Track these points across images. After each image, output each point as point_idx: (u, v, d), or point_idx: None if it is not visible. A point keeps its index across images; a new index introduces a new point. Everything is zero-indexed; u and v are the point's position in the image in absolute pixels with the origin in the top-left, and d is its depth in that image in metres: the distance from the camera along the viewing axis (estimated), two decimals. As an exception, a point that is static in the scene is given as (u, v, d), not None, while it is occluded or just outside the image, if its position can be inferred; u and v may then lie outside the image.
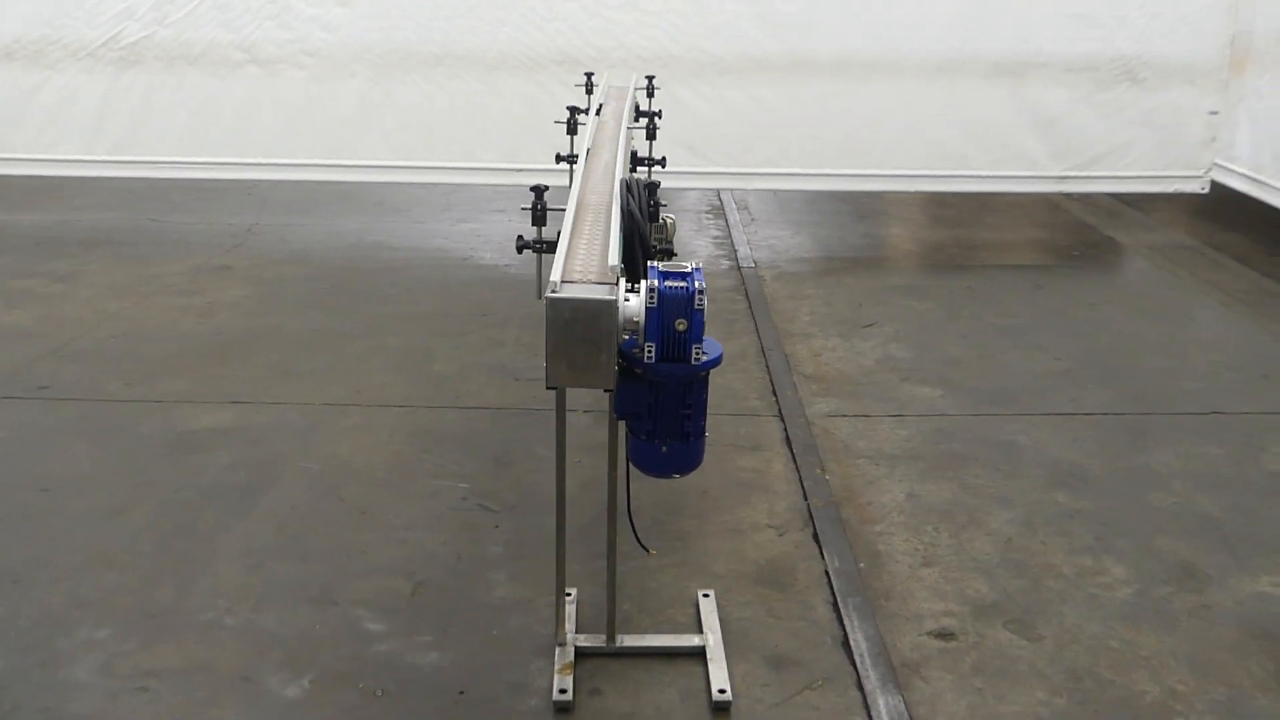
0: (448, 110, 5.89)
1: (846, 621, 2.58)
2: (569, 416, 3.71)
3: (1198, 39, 5.81)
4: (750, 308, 4.87)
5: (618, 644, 2.45)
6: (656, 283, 1.95)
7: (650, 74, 4.78)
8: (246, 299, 4.86)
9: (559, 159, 3.57)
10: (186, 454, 3.38)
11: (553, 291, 1.91)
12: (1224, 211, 6.33)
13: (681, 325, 1.96)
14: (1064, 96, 5.91)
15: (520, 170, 5.99)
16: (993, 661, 2.45)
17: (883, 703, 2.30)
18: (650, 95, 4.42)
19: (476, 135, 5.93)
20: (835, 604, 2.66)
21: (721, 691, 2.30)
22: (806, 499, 3.18)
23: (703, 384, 2.09)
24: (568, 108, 4.32)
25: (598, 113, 4.06)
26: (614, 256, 2.02)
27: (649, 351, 1.97)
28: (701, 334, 1.98)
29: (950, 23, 5.80)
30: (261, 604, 2.61)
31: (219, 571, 2.75)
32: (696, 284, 1.96)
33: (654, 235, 2.45)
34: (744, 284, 5.21)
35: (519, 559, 2.85)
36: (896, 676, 2.39)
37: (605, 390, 2.08)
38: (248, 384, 3.92)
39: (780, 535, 2.99)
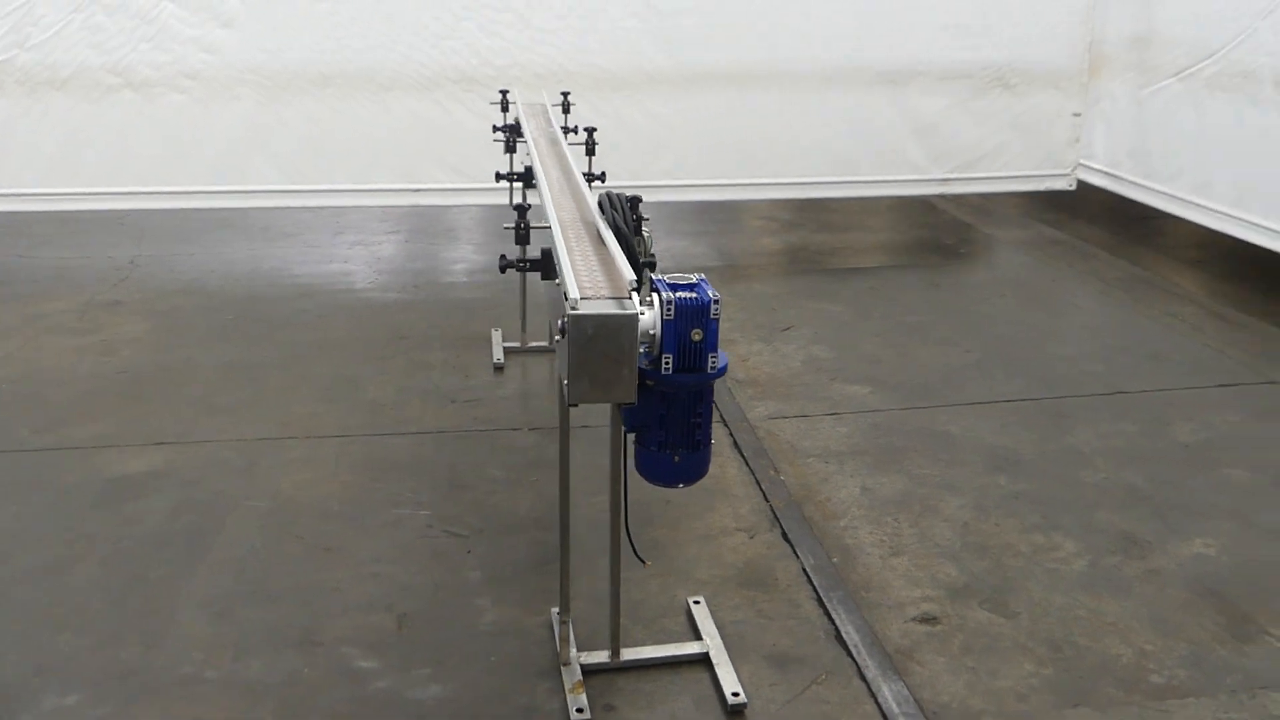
0: (340, 132, 5.74)
1: (835, 615, 2.66)
2: (514, 435, 3.72)
3: (1060, 46, 6.22)
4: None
5: (622, 659, 2.46)
6: (671, 294, 1.98)
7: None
8: (148, 334, 4.61)
9: (499, 177, 3.53)
10: (119, 502, 3.19)
11: (573, 309, 1.90)
12: (1084, 206, 6.79)
13: (697, 335, 1.99)
14: (942, 103, 6.23)
15: (417, 190, 5.94)
16: (978, 640, 2.57)
17: (887, 690, 2.38)
18: (566, 111, 4.43)
19: (371, 156, 5.80)
20: (820, 599, 2.74)
21: (735, 695, 2.33)
22: (768, 500, 3.25)
23: (710, 392, 2.12)
24: (504, 127, 4.30)
25: (514, 129, 4.07)
26: (628, 271, 2.03)
27: (666, 363, 1.99)
28: (716, 343, 2.01)
29: (835, 34, 6.02)
30: (241, 653, 2.49)
31: (185, 623, 2.61)
32: (710, 293, 2.00)
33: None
34: (658, 295, 5.26)
35: (500, 582, 2.81)
36: (893, 663, 2.48)
37: (619, 404, 2.09)
38: (170, 423, 3.72)
39: (751, 538, 3.05)
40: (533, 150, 3.34)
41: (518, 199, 3.60)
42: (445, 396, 4.01)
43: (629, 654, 2.47)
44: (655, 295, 2.00)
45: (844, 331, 4.75)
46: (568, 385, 1.95)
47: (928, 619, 2.66)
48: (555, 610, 2.62)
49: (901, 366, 4.34)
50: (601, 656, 2.47)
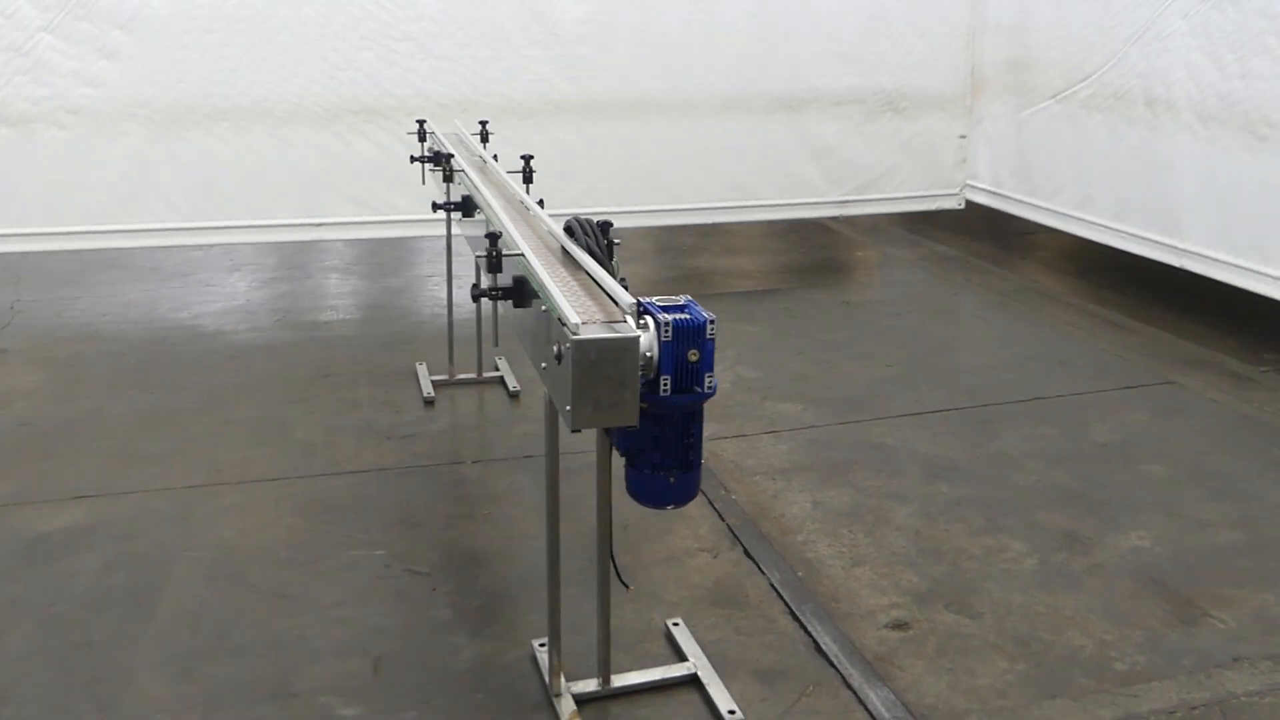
0: (237, 166, 5.55)
1: (810, 628, 2.70)
2: (458, 469, 3.65)
3: (944, 71, 6.53)
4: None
5: (612, 685, 2.44)
6: (668, 316, 1.99)
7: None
8: (45, 384, 4.33)
9: (436, 207, 3.48)
10: (46, 562, 2.98)
11: (574, 334, 1.90)
12: (969, 224, 7.13)
13: (694, 356, 2.01)
14: (838, 128, 6.45)
15: (319, 225, 5.79)
16: (950, 642, 2.65)
17: (874, 696, 2.43)
18: (485, 140, 4.40)
19: (270, 191, 5.63)
20: (793, 613, 2.77)
21: (731, 712, 2.34)
22: (724, 519, 3.28)
23: (701, 412, 2.14)
24: (422, 157, 4.25)
25: (433, 159, 4.04)
26: (624, 295, 2.03)
27: (665, 384, 2.00)
28: (712, 363, 2.03)
29: (734, 63, 6.18)
30: (212, 710, 2.36)
31: (145, 685, 2.46)
32: (705, 314, 2.02)
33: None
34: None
35: (471, 618, 2.75)
36: (875, 670, 2.53)
37: (613, 429, 2.08)
38: (87, 476, 3.51)
39: (715, 557, 3.07)
40: (475, 179, 3.31)
41: (457, 230, 3.54)
42: (379, 433, 3.91)
43: (618, 680, 2.45)
44: (649, 318, 2.01)
45: (766, 351, 4.84)
46: (571, 411, 1.93)
47: (899, 625, 2.73)
48: (536, 642, 2.59)
49: (828, 383, 4.45)
50: (591, 685, 2.44)
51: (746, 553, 3.08)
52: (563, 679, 2.42)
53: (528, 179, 3.75)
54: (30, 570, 2.94)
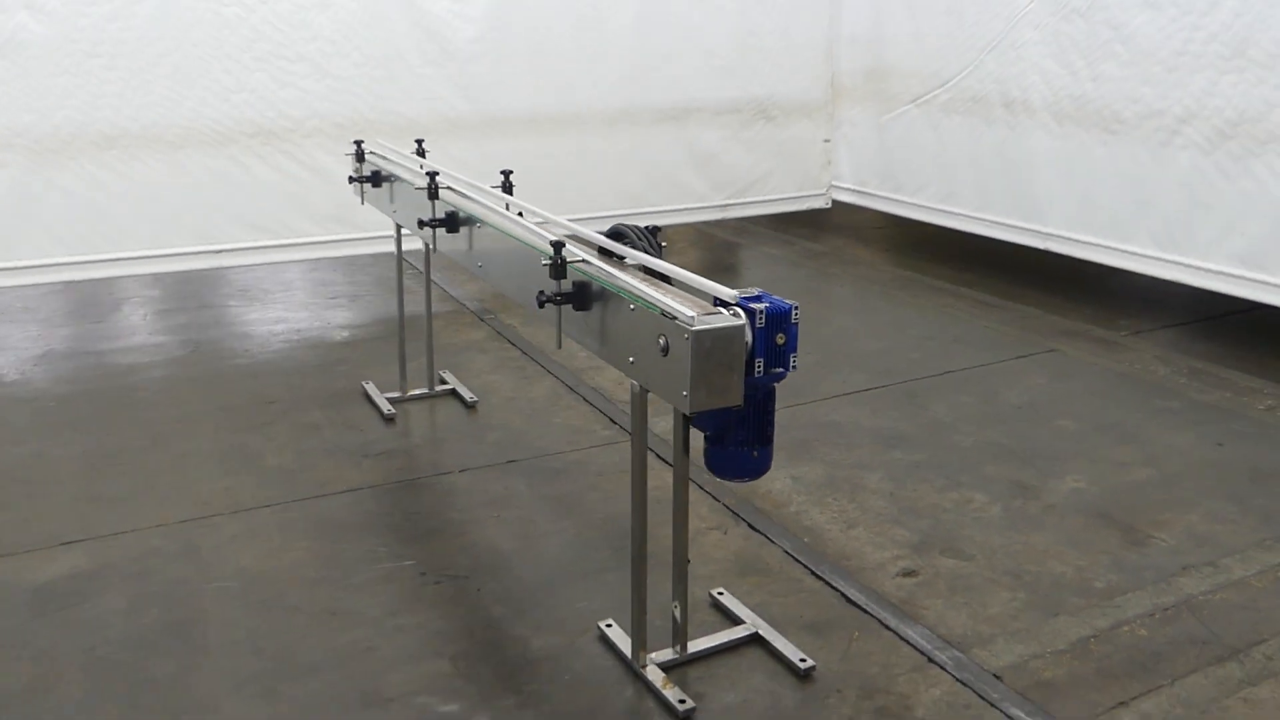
0: (127, 195, 5.36)
1: (835, 584, 3.00)
2: (449, 479, 3.76)
3: (807, 81, 7.05)
4: (523, 352, 5.07)
5: (689, 652, 2.64)
6: (760, 305, 2.23)
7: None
8: (-33, 434, 4.08)
9: (422, 224, 3.53)
10: (62, 609, 2.88)
11: (692, 325, 2.10)
12: (835, 221, 7.69)
13: (781, 339, 2.26)
14: (717, 136, 6.85)
15: (218, 252, 5.65)
16: (956, 582, 3.01)
17: (912, 633, 2.75)
18: (422, 156, 4.46)
19: (164, 219, 5.46)
20: (814, 574, 3.06)
21: (803, 660, 2.60)
22: (719, 500, 3.53)
23: (775, 391, 2.39)
24: (361, 178, 4.28)
25: (372, 179, 4.11)
26: (724, 289, 2.25)
27: (759, 366, 2.23)
28: (796, 345, 2.28)
29: (621, 78, 6.45)
30: (314, 723, 2.41)
31: (232, 711, 2.46)
32: (787, 302, 2.27)
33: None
34: (499, 331, 5.38)
35: (525, 611, 2.88)
36: (904, 612, 2.86)
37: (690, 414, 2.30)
38: (61, 521, 3.37)
39: (725, 534, 3.32)
40: (473, 194, 3.41)
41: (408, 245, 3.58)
42: (352, 453, 3.92)
43: (692, 647, 2.66)
44: (738, 307, 2.24)
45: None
46: (689, 396, 2.14)
47: (908, 573, 3.07)
48: (602, 623, 2.76)
49: (760, 372, 4.77)
50: (668, 654, 2.64)
51: (752, 527, 3.35)
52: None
53: (508, 192, 3.86)
54: (50, 619, 2.84)
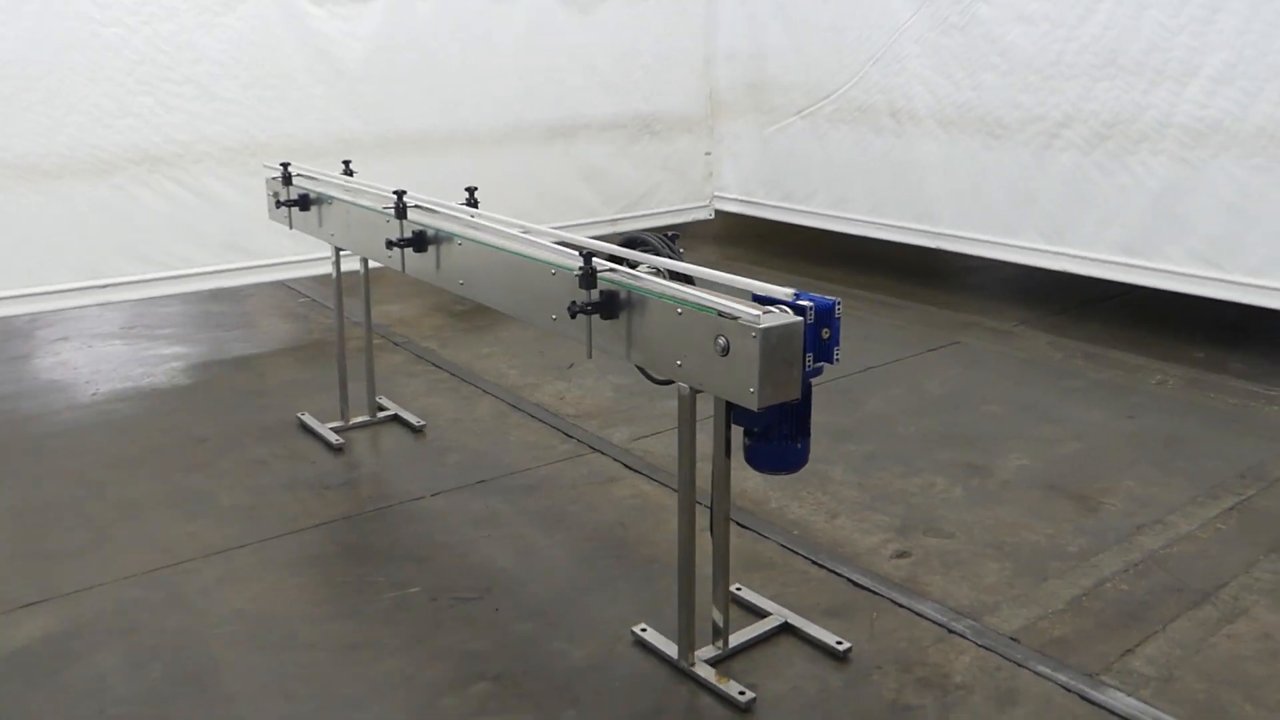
0: (2, 230, 4.95)
1: (838, 571, 3.13)
2: (422, 504, 3.71)
3: (687, 97, 7.25)
4: (452, 374, 4.99)
5: (730, 647, 2.71)
6: (808, 301, 2.33)
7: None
8: None
9: (390, 244, 3.44)
10: (51, 674, 2.67)
11: (758, 324, 2.19)
12: (721, 230, 7.92)
13: (826, 334, 2.37)
14: (605, 151, 6.95)
15: (104, 286, 5.30)
16: (947, 559, 3.20)
17: (925, 608, 2.92)
18: (349, 175, 4.35)
19: (45, 253, 5.09)
20: (816, 563, 3.19)
21: (839, 643, 2.72)
22: (699, 502, 3.61)
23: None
24: (288, 201, 4.14)
25: (299, 202, 4.01)
26: (780, 290, 2.34)
27: (809, 360, 2.34)
28: (839, 339, 2.40)
29: (510, 96, 6.46)
30: (379, 756, 2.33)
31: (281, 753, 2.35)
32: (829, 298, 2.38)
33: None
34: (418, 354, 5.28)
35: (555, 625, 2.88)
36: (910, 589, 3.02)
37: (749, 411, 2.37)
38: (10, 584, 3.10)
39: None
40: (448, 212, 3.37)
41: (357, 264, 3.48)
42: (311, 486, 3.78)
43: (732, 641, 2.73)
44: (783, 306, 2.34)
45: (618, 362, 5.16)
46: (756, 392, 2.21)
47: (902, 554, 3.24)
48: (636, 628, 2.79)
49: (694, 378, 4.89)
50: (710, 651, 2.70)
51: (741, 525, 3.44)
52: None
53: (474, 208, 3.82)
54: (40, 685, 2.62)
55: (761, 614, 2.89)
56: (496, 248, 3.04)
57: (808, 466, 3.78)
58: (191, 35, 5.31)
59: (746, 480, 3.77)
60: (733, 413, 2.54)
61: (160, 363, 5.27)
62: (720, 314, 2.29)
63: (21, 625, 2.89)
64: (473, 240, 3.16)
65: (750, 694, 2.52)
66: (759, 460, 2.53)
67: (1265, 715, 2.46)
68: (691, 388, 2.52)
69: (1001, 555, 3.22)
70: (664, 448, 4.09)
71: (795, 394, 2.30)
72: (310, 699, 2.56)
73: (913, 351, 5.21)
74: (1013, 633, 2.80)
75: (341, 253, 4.23)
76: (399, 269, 3.51)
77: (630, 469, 3.91)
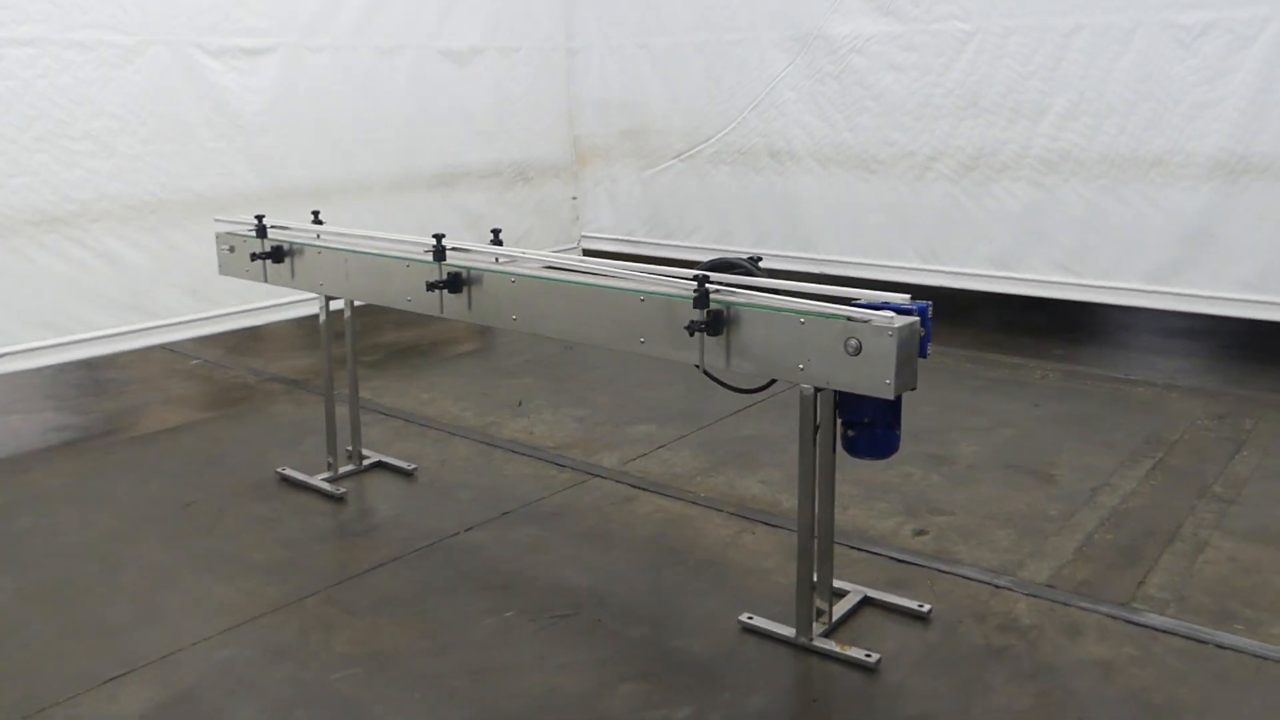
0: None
1: (877, 551, 3.52)
2: (464, 538, 3.84)
3: (555, 144, 7.58)
4: (407, 420, 5.01)
5: (833, 620, 3.02)
6: (913, 305, 2.71)
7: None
8: None
9: (430, 286, 3.49)
10: (188, 735, 2.58)
11: (894, 324, 2.55)
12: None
13: (921, 332, 2.76)
14: (484, 197, 7.14)
15: (1, 355, 4.91)
16: (959, 530, 3.67)
17: (966, 571, 3.36)
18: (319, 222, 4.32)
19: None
20: (855, 547, 3.56)
21: (921, 606, 3.10)
22: (720, 510, 3.91)
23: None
24: (263, 254, 4.09)
25: (273, 254, 4.00)
26: (893, 297, 2.70)
27: (915, 356, 2.72)
28: (931, 335, 2.80)
29: (397, 146, 6.55)
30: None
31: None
32: (922, 301, 2.78)
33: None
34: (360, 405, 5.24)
35: (663, 626, 3.08)
36: (945, 558, 3.45)
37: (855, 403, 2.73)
38: (81, 661, 2.93)
39: (753, 534, 3.71)
40: (476, 250, 3.50)
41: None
42: (338, 535, 3.76)
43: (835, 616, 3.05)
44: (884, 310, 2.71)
45: (559, 396, 5.37)
46: (892, 383, 2.57)
47: (920, 532, 3.68)
48: (744, 616, 3.06)
49: (648, 405, 5.16)
50: (819, 629, 3.00)
51: (769, 524, 3.77)
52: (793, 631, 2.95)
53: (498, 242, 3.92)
54: (185, 747, 2.54)
55: (840, 593, 3.22)
56: (573, 283, 3.22)
57: (794, 469, 4.21)
58: (89, 89, 5.09)
59: (750, 488, 4.11)
60: (840, 409, 2.87)
61: (96, 431, 4.92)
62: (850, 319, 2.63)
63: (119, 699, 2.75)
64: (535, 277, 3.33)
65: (875, 655, 2.85)
66: (860, 448, 2.89)
67: (1263, 614, 3.06)
68: (816, 387, 2.83)
69: (1002, 524, 3.72)
70: (657, 467, 4.35)
71: (914, 384, 2.67)
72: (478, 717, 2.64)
73: None
74: (1046, 581, 3.29)
75: (337, 301, 4.18)
76: (435, 312, 3.59)
77: (639, 489, 4.14)
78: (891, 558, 3.48)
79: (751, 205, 6.74)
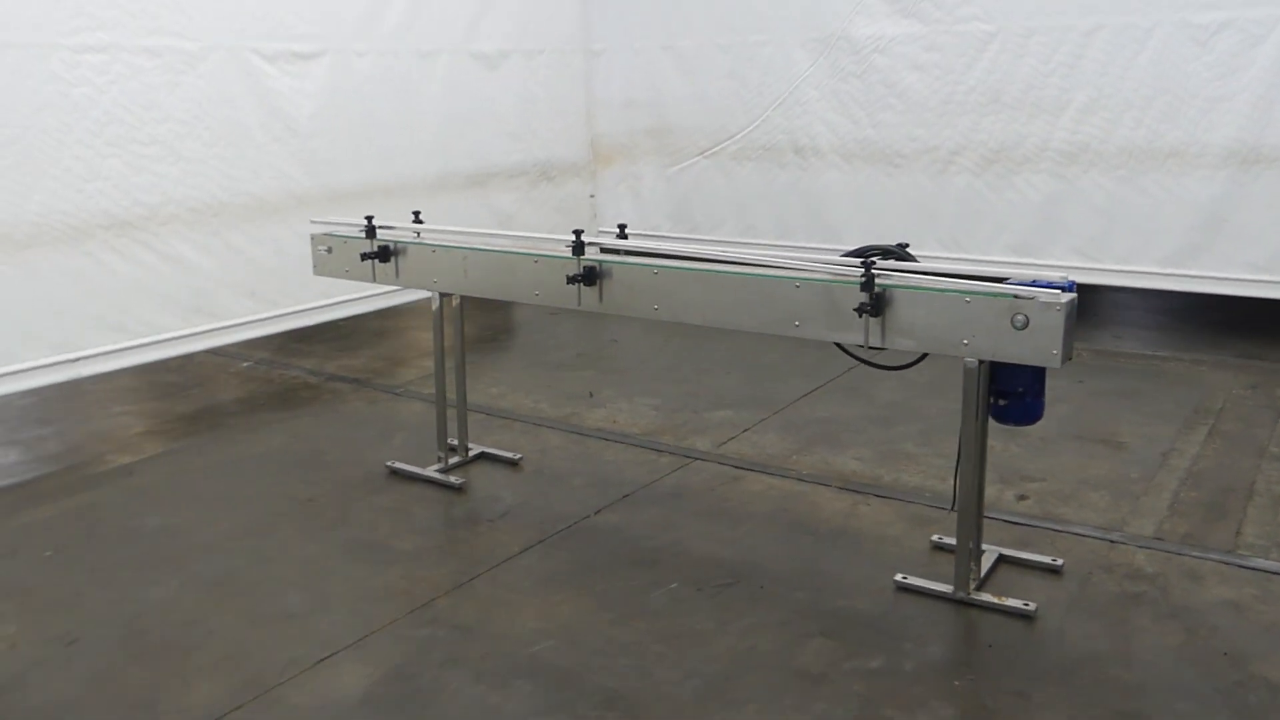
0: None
1: (992, 515, 3.78)
2: (594, 521, 3.95)
3: (575, 144, 7.74)
4: (488, 414, 5.14)
5: (984, 571, 3.29)
6: (1062, 282, 2.98)
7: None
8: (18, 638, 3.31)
9: (570, 280, 3.64)
10: (427, 702, 2.72)
11: (1061, 299, 2.81)
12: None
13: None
14: (512, 197, 7.28)
15: (76, 360, 4.95)
16: (1057, 495, 3.97)
17: (1079, 529, 3.65)
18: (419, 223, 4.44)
19: (14, 330, 4.68)
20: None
21: (1055, 560, 3.38)
22: (828, 485, 4.14)
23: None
24: (372, 254, 4.20)
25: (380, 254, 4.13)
26: (1052, 275, 2.96)
27: (1066, 331, 2.99)
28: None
29: (433, 149, 6.66)
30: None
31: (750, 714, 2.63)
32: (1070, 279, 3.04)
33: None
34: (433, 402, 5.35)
35: (823, 589, 3.30)
36: (1057, 519, 3.74)
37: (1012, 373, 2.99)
38: (282, 646, 3.03)
39: (869, 506, 3.95)
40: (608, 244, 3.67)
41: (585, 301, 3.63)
42: (474, 522, 3.91)
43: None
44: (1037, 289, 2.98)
45: (626, 387, 5.55)
46: (1060, 353, 2.83)
47: (1022, 497, 3.97)
48: (899, 576, 3.30)
49: (716, 392, 5.37)
50: (972, 586, 3.25)
51: (879, 496, 4.01)
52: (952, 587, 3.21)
53: (623, 236, 4.08)
54: (416, 710, 2.67)
55: (977, 553, 3.48)
56: (723, 273, 3.42)
57: (893, 445, 4.48)
58: (156, 94, 5.12)
59: (847, 464, 4.36)
60: (993, 381, 3.13)
61: (168, 430, 4.95)
62: (1016, 297, 2.89)
63: (340, 676, 2.88)
64: (681, 268, 3.53)
65: (1032, 604, 3.11)
66: (1012, 415, 3.15)
67: (1354, 555, 3.43)
68: (980, 360, 3.07)
69: (1093, 487, 4.03)
70: (749, 449, 4.57)
71: (1071, 354, 2.93)
72: (686, 680, 2.82)
73: (826, 379, 5.87)
74: (1154, 535, 3.61)
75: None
76: (570, 304, 3.74)
77: (742, 469, 4.35)
78: (1006, 520, 3.76)
79: (776, 200, 7.00)
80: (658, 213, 7.63)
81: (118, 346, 5.08)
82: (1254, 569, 3.34)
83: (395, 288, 6.05)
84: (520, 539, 3.73)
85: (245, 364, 6.16)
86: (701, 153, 7.25)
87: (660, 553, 3.61)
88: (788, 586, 3.34)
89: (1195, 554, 3.45)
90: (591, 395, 5.41)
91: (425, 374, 5.86)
